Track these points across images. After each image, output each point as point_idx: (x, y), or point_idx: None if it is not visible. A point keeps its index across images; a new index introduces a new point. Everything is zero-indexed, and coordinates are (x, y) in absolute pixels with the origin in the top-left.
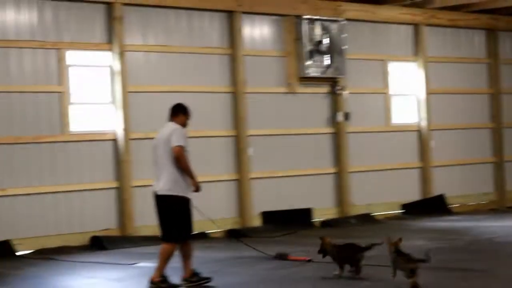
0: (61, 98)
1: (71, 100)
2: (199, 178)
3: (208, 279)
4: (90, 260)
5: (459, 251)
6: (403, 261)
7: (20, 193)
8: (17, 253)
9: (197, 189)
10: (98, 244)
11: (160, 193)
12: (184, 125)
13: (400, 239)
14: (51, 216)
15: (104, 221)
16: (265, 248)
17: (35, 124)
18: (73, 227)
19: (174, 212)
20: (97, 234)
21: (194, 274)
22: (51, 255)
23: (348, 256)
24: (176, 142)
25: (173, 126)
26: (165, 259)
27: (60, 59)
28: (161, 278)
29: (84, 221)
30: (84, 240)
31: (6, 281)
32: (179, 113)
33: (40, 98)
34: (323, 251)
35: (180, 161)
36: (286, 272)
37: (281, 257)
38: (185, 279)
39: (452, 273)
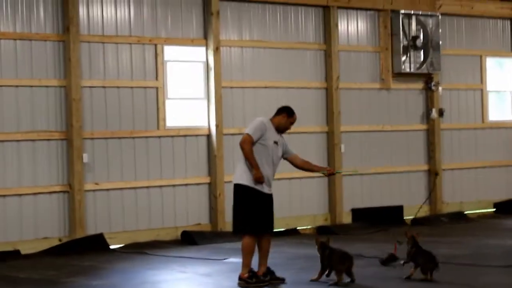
0: (157, 93)
1: (167, 95)
2: (294, 174)
3: (282, 280)
4: (180, 255)
5: None
6: (423, 258)
7: (114, 187)
8: (110, 247)
9: (257, 179)
10: (189, 239)
11: (233, 182)
12: (280, 125)
13: (417, 234)
14: (144, 211)
15: (195, 216)
16: (353, 245)
17: (131, 119)
18: (164, 221)
19: (240, 202)
20: (188, 229)
21: (268, 272)
22: (143, 249)
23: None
24: (246, 130)
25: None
26: (245, 254)
27: (157, 55)
28: (248, 274)
29: (175, 216)
30: (175, 235)
31: (99, 275)
32: (281, 113)
33: (137, 93)
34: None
35: (242, 148)
36: (375, 271)
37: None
38: (242, 279)
39: None
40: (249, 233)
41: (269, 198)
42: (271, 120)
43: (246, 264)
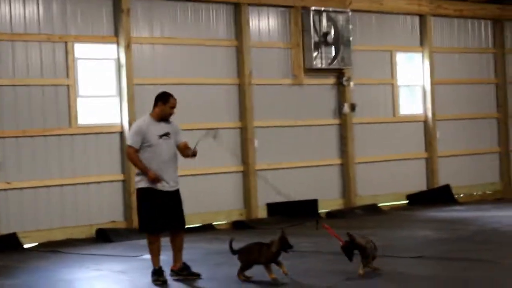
0: (68, 91)
1: (79, 93)
2: (205, 170)
3: (197, 275)
4: (95, 252)
5: (464, 241)
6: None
7: (27, 186)
8: (24, 246)
9: (152, 180)
10: (104, 236)
11: None
12: (162, 115)
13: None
14: (57, 209)
15: (110, 214)
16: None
17: (42, 117)
18: (79, 219)
19: (138, 203)
20: (103, 226)
21: (184, 267)
22: (57, 247)
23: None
24: (127, 140)
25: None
26: (149, 252)
27: (67, 52)
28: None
29: (90, 214)
30: (90, 232)
31: (13, 274)
32: (156, 103)
33: (48, 91)
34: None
35: (129, 160)
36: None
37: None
38: (173, 271)
39: (457, 263)
40: (147, 232)
41: (171, 194)
42: (151, 114)
43: (152, 262)
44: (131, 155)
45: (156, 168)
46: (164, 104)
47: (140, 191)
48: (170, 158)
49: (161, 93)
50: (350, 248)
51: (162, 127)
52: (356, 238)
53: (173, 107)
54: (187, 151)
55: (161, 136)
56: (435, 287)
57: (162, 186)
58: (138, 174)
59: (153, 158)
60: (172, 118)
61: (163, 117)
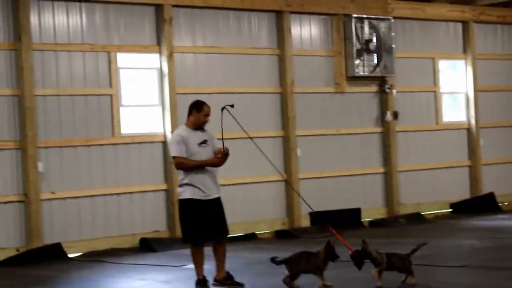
0: (111, 100)
1: (121, 103)
2: (249, 179)
3: (241, 285)
4: (139, 262)
5: (509, 250)
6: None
7: (70, 196)
8: (68, 256)
9: (216, 159)
10: (147, 246)
11: None
12: (197, 123)
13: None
14: (101, 219)
15: (153, 223)
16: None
17: (85, 126)
18: (122, 229)
19: (180, 215)
20: (147, 236)
21: (228, 277)
22: (101, 257)
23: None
24: (171, 152)
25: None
26: (193, 262)
27: (110, 62)
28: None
29: (133, 223)
30: (133, 242)
31: (57, 284)
32: (190, 113)
33: (91, 100)
34: None
35: (181, 169)
36: (333, 273)
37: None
38: (216, 280)
39: (501, 272)
40: (191, 243)
41: (213, 203)
42: (186, 124)
43: (196, 272)
44: (181, 164)
45: (200, 176)
46: (198, 112)
47: (182, 202)
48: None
49: (194, 102)
50: (359, 256)
51: (199, 136)
52: (369, 247)
53: (207, 115)
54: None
55: (200, 144)
56: None
57: (204, 196)
58: (180, 186)
59: (200, 167)
60: (208, 127)
61: (198, 126)
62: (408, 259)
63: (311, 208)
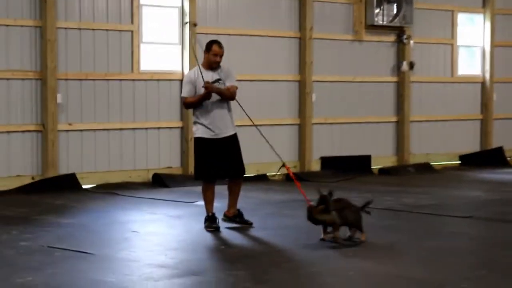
0: (132, 37)
1: (142, 39)
2: (263, 122)
3: (249, 224)
4: (151, 196)
5: None
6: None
7: (87, 128)
8: (82, 187)
9: (206, 91)
10: (160, 181)
11: None
12: (209, 63)
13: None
14: (116, 152)
15: (167, 159)
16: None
17: (105, 61)
18: (136, 163)
19: (194, 152)
20: (160, 172)
21: (238, 215)
22: (114, 190)
23: None
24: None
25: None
26: (203, 199)
27: None
28: (207, 214)
29: (147, 159)
30: (146, 177)
31: (70, 214)
32: (204, 53)
33: (112, 36)
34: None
35: (189, 107)
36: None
37: None
38: (226, 216)
39: (506, 225)
40: (200, 179)
41: (226, 141)
42: (202, 64)
43: (206, 209)
44: (187, 105)
45: (211, 114)
46: (208, 52)
47: (195, 140)
48: (223, 105)
49: (207, 42)
50: (312, 220)
51: (212, 75)
52: (316, 214)
53: (216, 54)
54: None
55: (213, 83)
56: (484, 246)
57: (214, 135)
58: (195, 123)
59: (206, 105)
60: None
61: (210, 65)
62: (359, 214)
63: (280, 158)
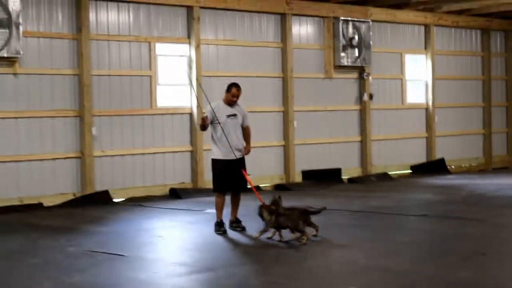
0: (150, 80)
1: (158, 82)
2: (257, 144)
3: (242, 228)
4: (169, 207)
5: (458, 203)
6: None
7: (116, 154)
8: (113, 200)
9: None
10: (175, 194)
11: None
12: (228, 101)
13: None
14: (140, 172)
15: (180, 176)
16: (304, 199)
17: (130, 100)
18: (156, 180)
19: (212, 169)
20: (175, 186)
21: (235, 221)
22: (139, 202)
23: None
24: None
25: None
26: (215, 207)
27: (150, 50)
28: (217, 220)
29: (165, 176)
30: (164, 191)
31: (104, 223)
32: (226, 90)
33: (134, 80)
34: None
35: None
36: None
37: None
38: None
39: (454, 221)
40: (217, 191)
41: (235, 162)
42: (223, 99)
43: (216, 215)
44: (201, 123)
45: (225, 140)
46: (227, 93)
47: (212, 160)
48: (236, 134)
49: (228, 84)
50: (259, 214)
51: (229, 110)
52: (264, 208)
53: (234, 95)
54: (246, 146)
55: (228, 116)
56: (439, 239)
57: (225, 156)
58: (212, 147)
59: (222, 131)
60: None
61: (228, 103)
62: (295, 218)
63: (248, 174)
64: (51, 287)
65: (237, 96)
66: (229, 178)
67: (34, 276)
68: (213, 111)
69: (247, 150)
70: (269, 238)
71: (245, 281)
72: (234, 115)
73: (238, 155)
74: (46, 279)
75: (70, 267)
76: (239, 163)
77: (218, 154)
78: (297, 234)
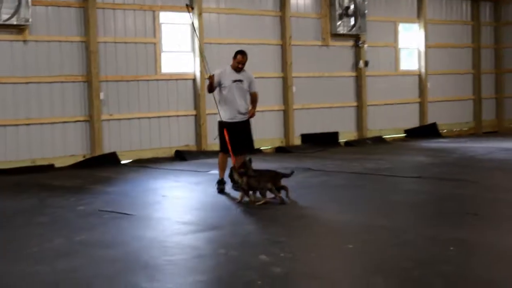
0: (155, 48)
1: (162, 49)
2: (258, 108)
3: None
4: (174, 168)
5: (450, 165)
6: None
7: (123, 117)
8: (121, 162)
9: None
10: (180, 156)
11: None
12: (234, 67)
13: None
14: (146, 135)
15: (185, 139)
16: (303, 161)
17: (135, 66)
18: (162, 143)
19: (218, 131)
20: (180, 148)
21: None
22: (146, 164)
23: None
24: None
25: None
26: (218, 166)
27: (155, 18)
28: (219, 178)
29: (170, 139)
30: (170, 153)
31: (113, 183)
32: (233, 57)
33: (139, 47)
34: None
35: (208, 91)
36: (320, 179)
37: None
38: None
39: (447, 182)
40: (221, 151)
41: (240, 124)
42: (230, 65)
43: (219, 174)
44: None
45: (229, 103)
46: (234, 59)
47: (218, 122)
48: (240, 98)
49: (236, 51)
50: (230, 177)
51: (235, 75)
52: (235, 170)
53: (239, 62)
54: (251, 110)
55: (234, 81)
56: (433, 200)
57: (230, 119)
58: (219, 110)
59: (227, 96)
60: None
61: (235, 69)
62: (266, 180)
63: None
64: (61, 244)
65: (243, 63)
66: (233, 139)
67: (44, 233)
68: (219, 75)
69: (251, 113)
70: (239, 201)
71: (247, 239)
72: (240, 80)
73: (242, 118)
74: (56, 237)
75: (79, 225)
76: (244, 125)
77: (224, 116)
78: (268, 197)
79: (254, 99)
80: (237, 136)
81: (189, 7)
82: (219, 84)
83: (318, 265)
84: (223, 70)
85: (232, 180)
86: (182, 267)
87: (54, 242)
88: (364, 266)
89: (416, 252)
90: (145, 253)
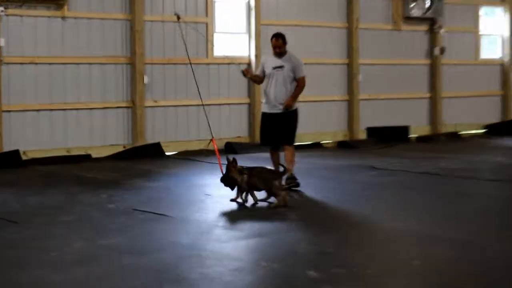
0: (207, 28)
1: (215, 30)
2: (318, 98)
3: (297, 184)
4: (223, 162)
5: None
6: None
7: (169, 104)
8: (165, 154)
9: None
10: (231, 148)
11: None
12: (273, 52)
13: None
14: (194, 125)
15: (237, 130)
16: (366, 158)
17: (183, 48)
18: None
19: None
20: (231, 140)
21: (291, 177)
22: (192, 156)
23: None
24: None
25: None
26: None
27: None
28: None
29: (220, 130)
30: (220, 145)
31: (155, 177)
32: None
33: (190, 27)
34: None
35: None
36: (383, 180)
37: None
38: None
39: None
40: (261, 146)
41: (280, 116)
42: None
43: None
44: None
45: (269, 93)
46: (271, 42)
47: (261, 114)
48: (281, 86)
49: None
50: (225, 179)
51: (276, 61)
52: (233, 171)
53: (274, 46)
54: (287, 99)
55: (274, 68)
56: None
57: (272, 109)
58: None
59: (268, 83)
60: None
61: (275, 54)
62: (271, 180)
63: (212, 135)
64: (84, 248)
65: (278, 47)
66: (270, 132)
67: (65, 235)
68: (262, 63)
69: (285, 104)
70: (233, 200)
71: (294, 249)
72: (281, 66)
73: (278, 110)
74: (77, 240)
75: (108, 226)
76: (284, 117)
77: (264, 107)
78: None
79: (298, 86)
80: (275, 128)
81: (178, 16)
82: (264, 73)
83: (376, 286)
84: (266, 57)
85: (228, 179)
86: (217, 284)
87: (76, 246)
88: None
89: (491, 270)
90: (177, 263)
